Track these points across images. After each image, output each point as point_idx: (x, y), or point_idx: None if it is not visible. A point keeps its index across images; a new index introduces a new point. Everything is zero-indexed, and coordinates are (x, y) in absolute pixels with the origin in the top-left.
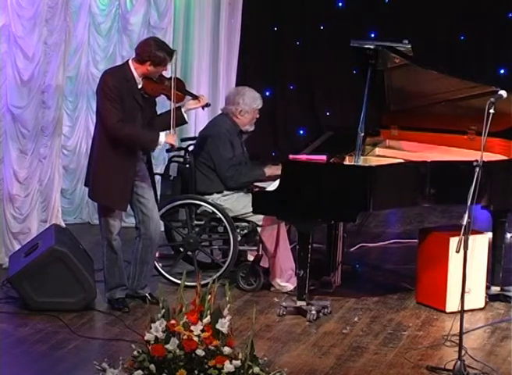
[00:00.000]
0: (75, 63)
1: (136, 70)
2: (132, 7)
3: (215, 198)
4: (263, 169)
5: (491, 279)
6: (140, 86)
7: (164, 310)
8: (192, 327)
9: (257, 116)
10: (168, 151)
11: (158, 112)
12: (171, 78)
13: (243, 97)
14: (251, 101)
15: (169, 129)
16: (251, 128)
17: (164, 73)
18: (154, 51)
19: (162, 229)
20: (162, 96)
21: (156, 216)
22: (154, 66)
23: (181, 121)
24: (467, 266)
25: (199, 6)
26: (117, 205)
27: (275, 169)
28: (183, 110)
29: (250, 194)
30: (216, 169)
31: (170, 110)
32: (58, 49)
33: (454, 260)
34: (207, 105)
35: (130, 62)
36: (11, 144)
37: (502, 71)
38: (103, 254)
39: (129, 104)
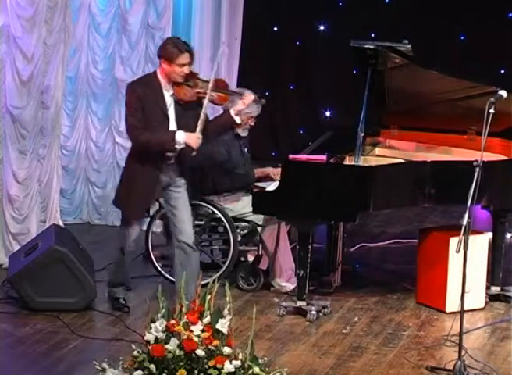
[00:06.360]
0: (74, 63)
1: (163, 77)
2: (131, 7)
3: (214, 198)
4: (253, 171)
5: (491, 279)
6: (170, 93)
7: (164, 310)
8: (192, 327)
9: (252, 123)
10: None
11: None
12: (208, 81)
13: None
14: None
15: (219, 132)
16: (243, 133)
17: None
18: (166, 46)
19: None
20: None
21: (188, 228)
22: (168, 64)
23: (231, 123)
24: (467, 266)
25: (200, 6)
26: (130, 212)
27: (262, 171)
28: (232, 112)
29: (250, 194)
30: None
31: (221, 114)
32: (57, 49)
33: (454, 260)
34: (260, 104)
35: (158, 69)
36: (10, 144)
37: (502, 71)
38: (113, 254)
39: (155, 114)
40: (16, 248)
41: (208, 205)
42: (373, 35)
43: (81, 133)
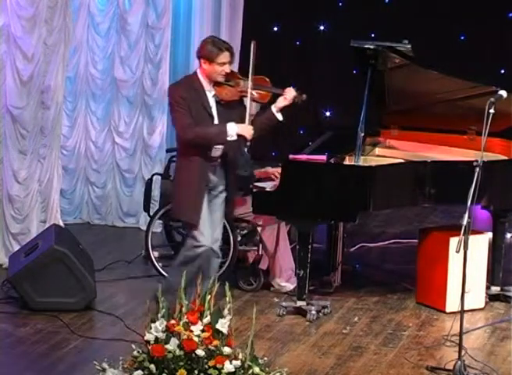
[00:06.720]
0: (74, 63)
1: (204, 78)
2: (130, 7)
3: None
4: (253, 171)
5: (491, 279)
6: (212, 93)
7: (164, 310)
8: (192, 327)
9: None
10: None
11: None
12: (248, 79)
13: None
14: None
15: (263, 130)
16: None
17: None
18: (205, 46)
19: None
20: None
21: (216, 233)
22: (208, 63)
23: (274, 121)
24: (467, 266)
25: (200, 6)
26: (188, 217)
27: (264, 171)
28: (273, 109)
29: (250, 195)
30: None
31: (263, 111)
32: (57, 49)
33: (454, 260)
34: (301, 100)
35: (198, 70)
36: (10, 144)
37: (502, 71)
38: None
39: (199, 114)
40: (16, 248)
41: None
42: (373, 35)
43: (80, 133)
